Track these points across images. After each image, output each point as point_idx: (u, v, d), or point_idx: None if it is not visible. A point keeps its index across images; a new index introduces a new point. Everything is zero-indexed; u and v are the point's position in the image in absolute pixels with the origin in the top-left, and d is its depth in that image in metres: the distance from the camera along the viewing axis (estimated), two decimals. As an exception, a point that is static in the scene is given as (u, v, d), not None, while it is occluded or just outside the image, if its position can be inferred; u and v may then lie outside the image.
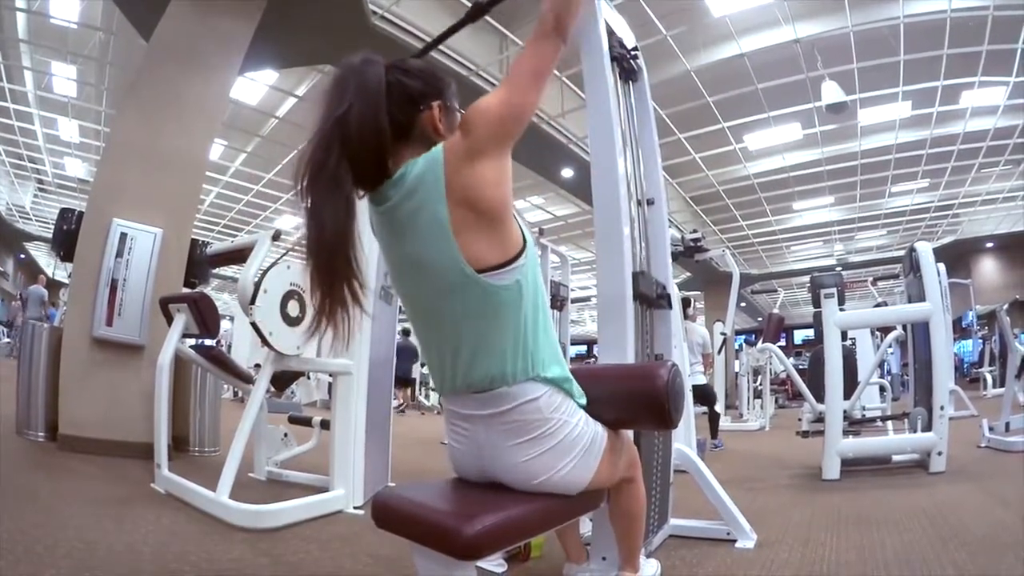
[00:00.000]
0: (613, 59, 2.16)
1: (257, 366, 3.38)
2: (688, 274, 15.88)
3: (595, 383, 1.36)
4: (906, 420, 4.37)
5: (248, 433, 2.73)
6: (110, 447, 3.61)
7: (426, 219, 1.07)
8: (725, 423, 7.32)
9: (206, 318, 3.28)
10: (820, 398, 4.01)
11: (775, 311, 9.19)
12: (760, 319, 20.86)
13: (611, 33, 2.20)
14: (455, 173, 1.05)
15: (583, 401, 1.24)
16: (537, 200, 12.75)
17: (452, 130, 1.18)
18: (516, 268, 1.10)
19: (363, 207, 1.15)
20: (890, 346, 5.07)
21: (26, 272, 21.04)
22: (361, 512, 2.81)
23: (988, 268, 16.02)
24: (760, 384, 9.37)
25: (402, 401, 10.33)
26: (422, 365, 11.08)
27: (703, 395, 5.55)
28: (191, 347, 3.64)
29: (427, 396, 11.74)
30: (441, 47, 6.64)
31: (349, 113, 1.05)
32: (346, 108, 1.05)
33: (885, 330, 5.41)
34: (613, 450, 1.29)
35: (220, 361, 3.75)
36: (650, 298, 2.18)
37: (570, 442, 1.16)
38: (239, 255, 3.28)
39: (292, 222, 11.73)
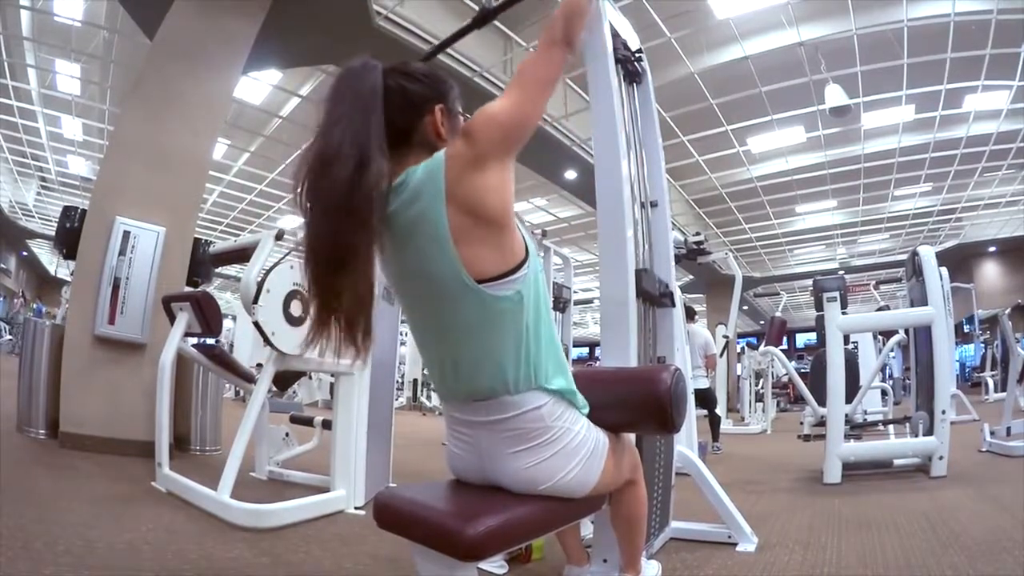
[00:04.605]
0: (617, 61, 2.16)
1: (259, 365, 3.38)
2: (690, 277, 15.87)
3: (598, 386, 1.36)
4: (907, 424, 4.36)
5: (249, 432, 2.73)
6: (111, 445, 3.62)
7: (426, 228, 1.05)
8: (727, 426, 7.31)
9: (208, 317, 3.28)
10: (822, 402, 4.00)
11: (777, 314, 9.18)
12: (762, 322, 20.84)
13: (615, 35, 2.20)
14: (456, 180, 1.03)
15: (586, 411, 1.23)
16: (540, 202, 12.76)
17: (455, 134, 1.15)
18: (517, 279, 1.08)
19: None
20: (892, 350, 5.05)
21: (28, 269, 21.11)
22: (362, 512, 2.81)
23: (991, 272, 16.00)
24: (762, 387, 9.36)
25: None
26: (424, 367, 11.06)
27: (704, 398, 5.56)
28: (193, 346, 3.65)
29: (428, 397, 11.74)
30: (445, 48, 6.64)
31: (339, 125, 1.02)
32: (337, 118, 1.03)
33: (887, 334, 5.39)
34: (616, 454, 1.28)
35: (222, 360, 3.75)
36: (653, 295, 2.18)
37: (573, 449, 1.15)
38: (242, 254, 3.28)
39: (295, 222, 11.73)
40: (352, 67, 1.09)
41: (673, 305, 2.33)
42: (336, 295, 1.03)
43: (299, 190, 1.03)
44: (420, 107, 1.15)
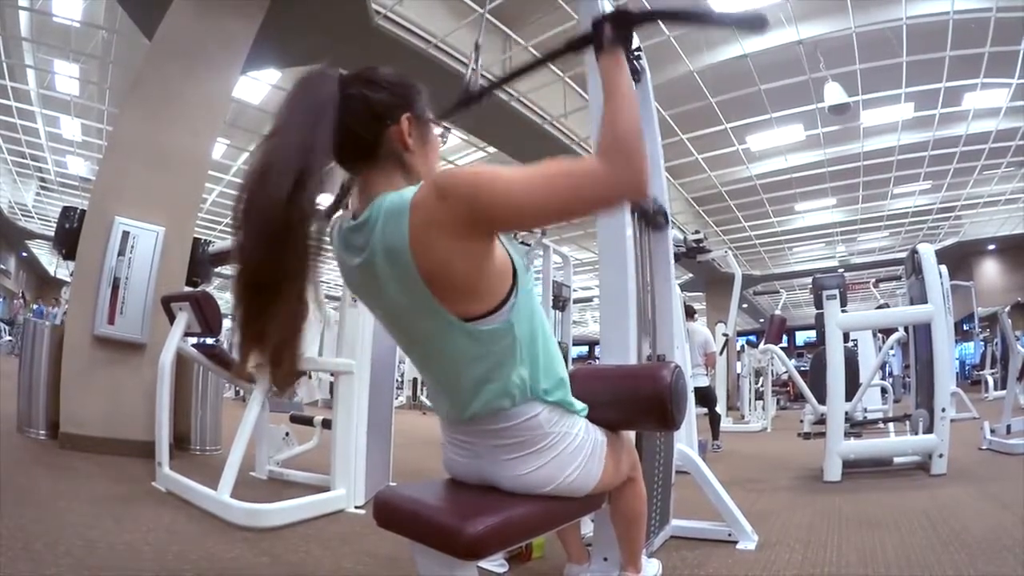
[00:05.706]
0: (616, 59, 2.16)
1: (259, 365, 3.38)
2: (690, 275, 15.88)
3: (598, 384, 1.36)
4: (907, 422, 4.36)
5: (250, 432, 2.73)
6: (111, 445, 3.62)
7: (399, 273, 0.98)
8: (727, 425, 7.31)
9: (208, 317, 3.28)
10: (822, 400, 4.00)
11: (777, 312, 9.18)
12: (762, 320, 20.84)
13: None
14: (421, 238, 0.93)
15: (584, 414, 1.23)
16: (539, 200, 12.75)
17: (424, 144, 1.10)
18: (506, 310, 1.03)
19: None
20: (892, 348, 5.05)
21: (28, 270, 21.09)
22: (362, 511, 2.82)
23: (990, 270, 16.01)
24: (762, 385, 9.36)
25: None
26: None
27: (703, 397, 5.55)
28: (193, 346, 3.64)
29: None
30: (443, 47, 6.64)
31: (285, 134, 0.92)
32: (285, 127, 0.93)
33: (887, 332, 5.40)
34: (615, 452, 1.28)
35: (222, 360, 3.74)
36: (646, 213, 2.20)
37: (571, 453, 1.15)
38: (241, 254, 3.28)
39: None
40: (308, 76, 1.00)
41: (667, 223, 2.35)
42: (266, 321, 0.93)
43: (237, 202, 0.93)
44: (384, 117, 1.05)
